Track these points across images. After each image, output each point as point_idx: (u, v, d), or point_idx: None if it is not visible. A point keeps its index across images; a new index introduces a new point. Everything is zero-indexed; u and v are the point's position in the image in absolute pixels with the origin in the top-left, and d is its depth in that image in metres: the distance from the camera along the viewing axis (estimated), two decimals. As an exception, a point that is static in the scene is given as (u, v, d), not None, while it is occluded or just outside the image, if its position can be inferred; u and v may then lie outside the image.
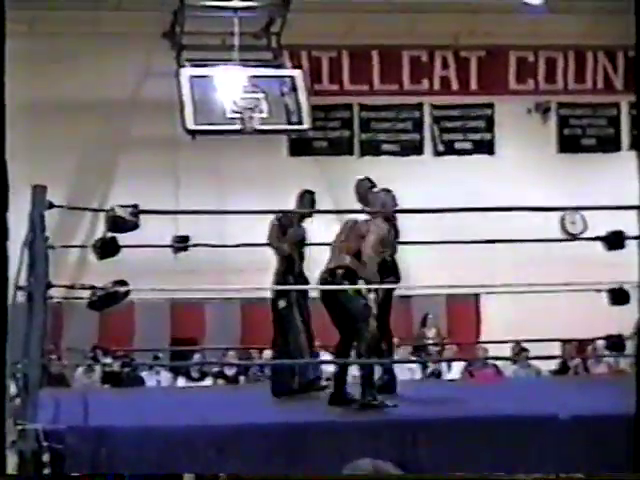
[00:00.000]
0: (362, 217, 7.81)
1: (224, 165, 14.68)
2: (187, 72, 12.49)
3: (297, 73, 13.17)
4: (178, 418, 6.92)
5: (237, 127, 12.19)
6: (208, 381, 13.07)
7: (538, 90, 15.91)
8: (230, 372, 13.11)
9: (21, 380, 6.24)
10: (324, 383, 8.69)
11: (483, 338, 14.69)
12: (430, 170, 15.44)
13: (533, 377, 12.87)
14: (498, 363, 13.28)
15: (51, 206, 6.50)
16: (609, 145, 15.95)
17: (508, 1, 14.30)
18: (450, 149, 15.80)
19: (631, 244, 7.50)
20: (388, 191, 7.92)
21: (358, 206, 8.25)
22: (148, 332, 14.17)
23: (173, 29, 13.31)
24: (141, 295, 8.47)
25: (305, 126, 12.70)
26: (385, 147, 15.68)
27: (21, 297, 6.37)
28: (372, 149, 15.63)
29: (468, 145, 15.86)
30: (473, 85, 15.75)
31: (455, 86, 15.71)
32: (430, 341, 14.28)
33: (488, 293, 13.44)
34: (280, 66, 13.29)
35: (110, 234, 6.71)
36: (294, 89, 12.69)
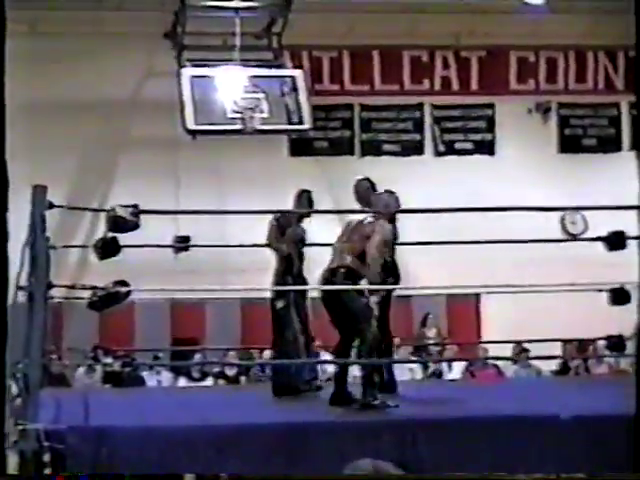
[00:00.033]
0: (365, 217, 7.77)
1: (225, 165, 14.68)
2: (188, 72, 12.48)
3: (298, 73, 13.16)
4: (179, 418, 6.93)
5: (238, 127, 12.18)
6: (209, 381, 13.07)
7: (539, 90, 15.92)
8: (231, 372, 13.11)
9: (22, 380, 6.23)
10: (319, 383, 8.70)
11: (483, 338, 14.70)
12: (431, 170, 15.45)
13: (534, 377, 12.87)
14: (499, 363, 13.27)
15: (52, 206, 6.49)
16: (610, 145, 15.95)
17: (509, 1, 14.31)
18: (451, 149, 15.81)
19: (632, 244, 7.49)
20: (391, 192, 7.91)
21: (358, 206, 8.25)
22: (149, 332, 14.17)
23: (174, 29, 13.31)
24: (142, 295, 8.45)
25: (306, 126, 12.69)
26: (386, 147, 15.68)
27: (22, 297, 6.37)
28: (373, 149, 15.63)
29: (469, 145, 15.87)
30: (474, 85, 15.75)
31: (456, 86, 15.72)
32: (431, 341, 14.28)
33: (488, 293, 13.44)
34: (281, 66, 13.28)
35: (111, 234, 6.70)
36: (295, 89, 12.68)
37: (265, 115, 12.32)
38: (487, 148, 15.86)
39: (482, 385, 10.91)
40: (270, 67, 12.99)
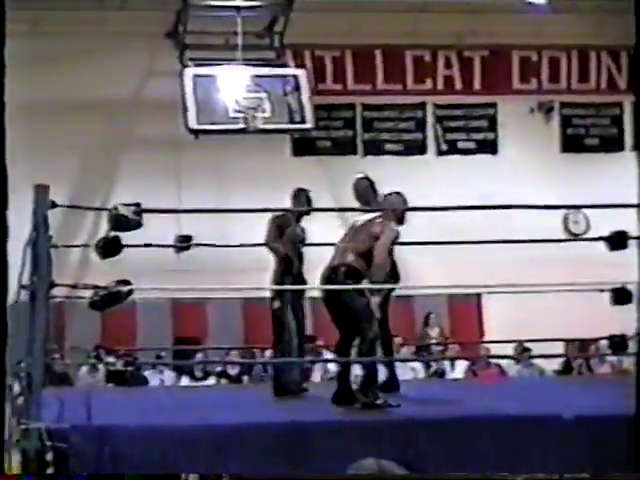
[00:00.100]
0: (374, 217, 7.72)
1: (227, 165, 14.68)
2: (190, 72, 12.50)
3: (300, 72, 13.18)
4: (181, 417, 6.93)
5: (240, 126, 12.19)
6: (211, 380, 13.08)
7: (541, 90, 15.91)
8: (233, 371, 13.13)
9: (24, 379, 6.23)
10: (305, 386, 8.70)
11: (486, 338, 14.69)
12: (433, 170, 15.44)
13: (537, 377, 12.87)
14: (502, 363, 13.27)
15: (54, 205, 6.48)
16: (612, 145, 15.94)
17: (511, 1, 14.31)
18: (453, 149, 15.80)
19: (634, 244, 7.48)
20: (398, 194, 7.87)
21: (359, 205, 8.23)
22: (150, 331, 14.18)
23: (176, 29, 13.33)
24: (144, 294, 8.43)
25: (308, 125, 12.71)
26: (388, 147, 15.68)
27: (24, 296, 6.37)
28: (375, 149, 15.63)
29: (471, 145, 15.86)
30: (476, 85, 15.75)
31: (458, 86, 15.71)
32: (433, 340, 14.28)
33: (490, 293, 13.43)
34: (283, 65, 13.30)
35: (113, 233, 6.69)
36: (297, 88, 12.69)
37: (267, 114, 12.33)
38: (489, 148, 15.86)
39: (484, 385, 10.90)
40: (272, 66, 13.01)
